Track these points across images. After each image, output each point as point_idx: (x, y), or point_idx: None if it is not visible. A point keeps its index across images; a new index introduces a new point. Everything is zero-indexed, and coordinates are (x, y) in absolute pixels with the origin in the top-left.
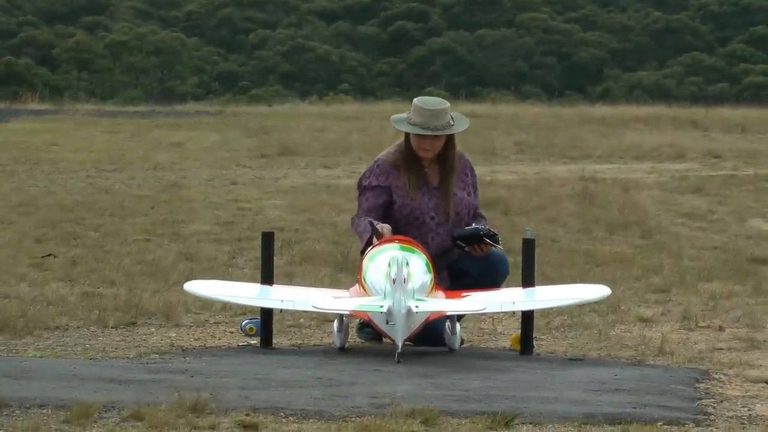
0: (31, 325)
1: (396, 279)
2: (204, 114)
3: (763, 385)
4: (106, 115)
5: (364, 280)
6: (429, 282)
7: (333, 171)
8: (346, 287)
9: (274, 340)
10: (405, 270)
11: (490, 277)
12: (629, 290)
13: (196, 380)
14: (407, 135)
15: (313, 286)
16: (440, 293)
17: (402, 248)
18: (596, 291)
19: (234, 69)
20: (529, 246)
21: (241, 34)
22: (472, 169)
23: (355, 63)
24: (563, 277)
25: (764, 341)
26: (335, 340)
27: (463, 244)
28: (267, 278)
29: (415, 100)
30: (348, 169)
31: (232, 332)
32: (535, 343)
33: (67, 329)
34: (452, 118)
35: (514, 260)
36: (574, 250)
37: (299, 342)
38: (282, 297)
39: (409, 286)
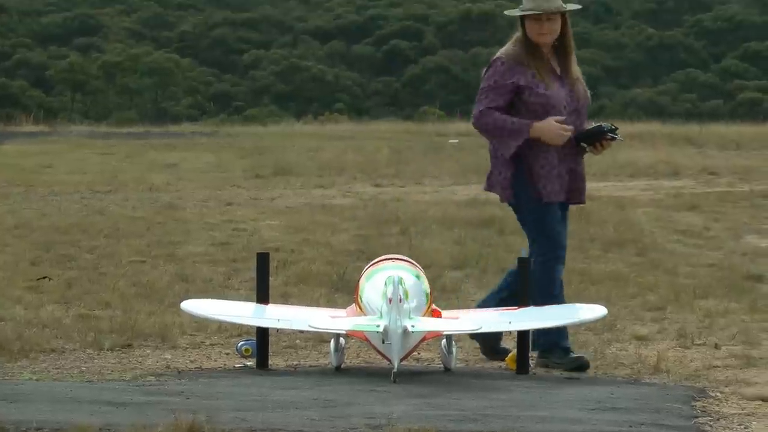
0: (27, 348)
1: (392, 298)
2: (198, 135)
3: (760, 402)
4: (101, 136)
5: (361, 299)
6: (425, 301)
7: (328, 191)
8: (342, 307)
9: (270, 362)
10: (401, 289)
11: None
12: (625, 308)
13: (193, 402)
14: (524, 26)
15: (309, 306)
16: (437, 311)
17: (398, 267)
18: (592, 311)
19: (228, 89)
20: (524, 265)
21: (235, 54)
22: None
23: (349, 82)
24: None
25: (760, 358)
26: (332, 360)
27: (585, 144)
28: (262, 299)
29: None
30: (343, 189)
31: (228, 354)
32: (530, 362)
33: (63, 352)
34: (563, 2)
35: None
36: (569, 268)
37: (295, 363)
38: (279, 316)
39: (406, 305)
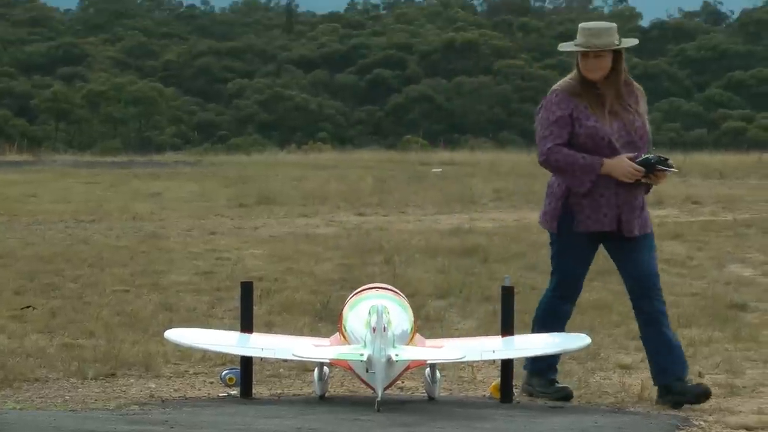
0: (11, 377)
1: (376, 327)
2: (182, 164)
3: (744, 431)
4: (85, 165)
5: (345, 328)
6: (409, 329)
7: (312, 220)
8: (326, 336)
9: (254, 390)
10: (385, 318)
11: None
12: (609, 337)
13: (177, 431)
14: (577, 60)
15: (292, 335)
16: (421, 340)
17: (382, 296)
18: (576, 340)
19: (212, 118)
20: (507, 294)
21: (219, 83)
22: (644, 99)
23: (333, 111)
24: None
25: (744, 387)
26: (316, 389)
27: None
28: (246, 328)
29: (580, 23)
30: (326, 218)
31: (212, 382)
32: (515, 391)
33: (47, 381)
34: (619, 39)
35: (494, 308)
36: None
37: (279, 392)
38: (262, 345)
39: (389, 334)
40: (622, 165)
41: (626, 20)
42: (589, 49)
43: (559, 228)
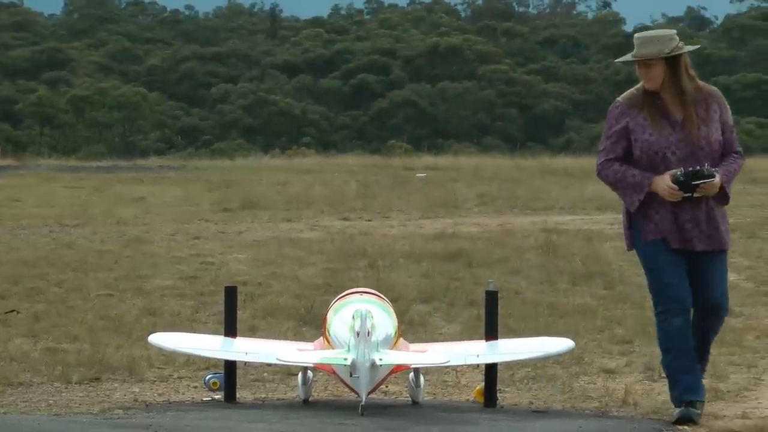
0: None
1: (360, 332)
2: (166, 168)
3: None
4: (69, 170)
5: (329, 332)
6: (393, 334)
7: (295, 224)
8: (310, 340)
9: (238, 395)
10: (369, 322)
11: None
12: (593, 341)
13: None
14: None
15: (276, 340)
16: (405, 344)
17: (366, 300)
18: (560, 344)
19: (196, 123)
20: (491, 298)
21: (203, 88)
22: (723, 104)
23: (317, 116)
24: (527, 329)
25: (728, 392)
26: (299, 393)
27: (689, 193)
28: (230, 332)
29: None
30: (311, 223)
31: (195, 387)
32: (498, 395)
33: (31, 385)
34: (672, 47)
35: (478, 312)
36: (537, 301)
37: (263, 396)
38: (246, 349)
39: (373, 338)
40: (661, 184)
41: (609, 25)
42: (635, 59)
43: (635, 243)
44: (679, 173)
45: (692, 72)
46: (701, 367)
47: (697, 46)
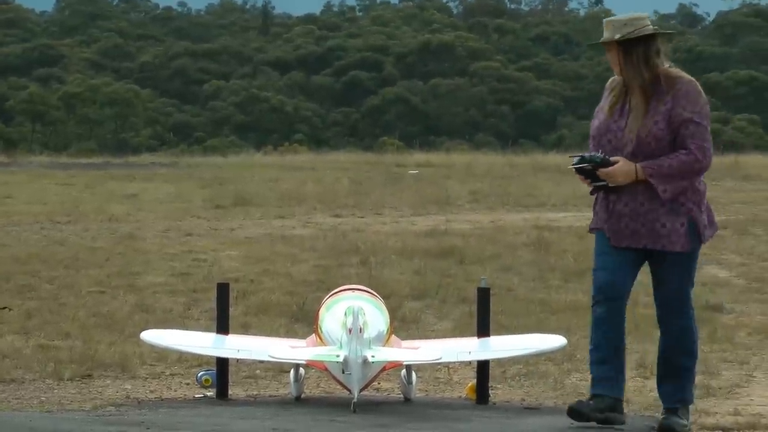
0: None
1: (352, 328)
2: (158, 165)
3: None
4: (60, 167)
5: (321, 329)
6: (385, 331)
7: (288, 221)
8: (302, 337)
9: (230, 391)
10: (361, 319)
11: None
12: (585, 338)
13: None
14: None
15: (268, 337)
16: (397, 341)
17: (358, 297)
18: (552, 341)
19: (188, 120)
20: (484, 295)
21: (195, 85)
22: (680, 97)
23: (309, 113)
24: (519, 326)
25: (720, 389)
26: (292, 390)
27: (597, 183)
28: (222, 329)
29: None
30: (303, 220)
31: (188, 384)
32: (490, 392)
33: (23, 382)
34: (625, 32)
35: (470, 309)
36: (529, 298)
37: (255, 393)
38: (239, 346)
39: (366, 335)
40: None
41: (601, 22)
42: (596, 42)
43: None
44: (574, 161)
45: (657, 60)
46: (660, 372)
47: (652, 29)
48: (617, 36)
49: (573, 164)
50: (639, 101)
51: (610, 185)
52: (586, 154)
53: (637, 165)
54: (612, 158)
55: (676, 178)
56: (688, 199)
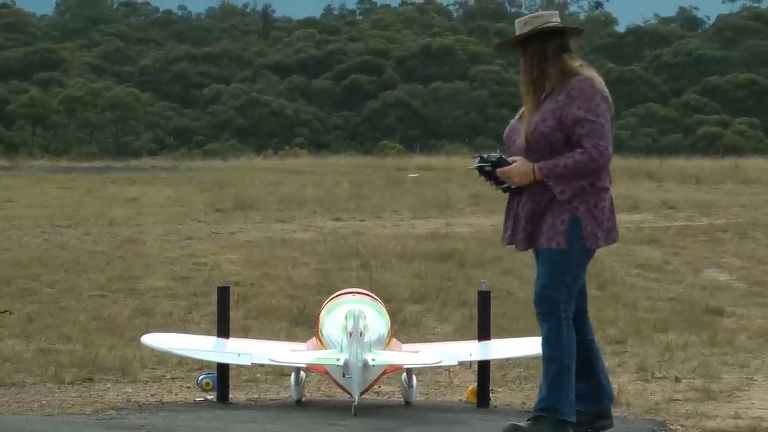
0: None
1: (353, 332)
2: (159, 169)
3: None
4: (61, 171)
5: (321, 333)
6: (386, 334)
7: (288, 225)
8: (303, 341)
9: (230, 395)
10: (362, 323)
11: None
12: None
13: None
14: None
15: (269, 340)
16: (398, 345)
17: (359, 301)
18: None
19: (189, 124)
20: (484, 298)
21: (196, 88)
22: (574, 95)
23: (309, 117)
24: (519, 329)
25: (720, 392)
26: (292, 393)
27: (502, 186)
28: (223, 333)
29: None
30: (303, 223)
31: (188, 387)
32: (491, 395)
33: (24, 386)
34: (518, 32)
35: (470, 312)
36: (529, 301)
37: (256, 396)
38: (239, 350)
39: (366, 338)
40: None
41: (602, 26)
42: (500, 42)
43: None
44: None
45: (559, 57)
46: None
47: (574, 27)
48: (517, 34)
49: (473, 165)
50: (530, 99)
51: (512, 187)
52: (485, 155)
53: (535, 165)
54: (510, 158)
55: (572, 178)
56: (575, 197)
